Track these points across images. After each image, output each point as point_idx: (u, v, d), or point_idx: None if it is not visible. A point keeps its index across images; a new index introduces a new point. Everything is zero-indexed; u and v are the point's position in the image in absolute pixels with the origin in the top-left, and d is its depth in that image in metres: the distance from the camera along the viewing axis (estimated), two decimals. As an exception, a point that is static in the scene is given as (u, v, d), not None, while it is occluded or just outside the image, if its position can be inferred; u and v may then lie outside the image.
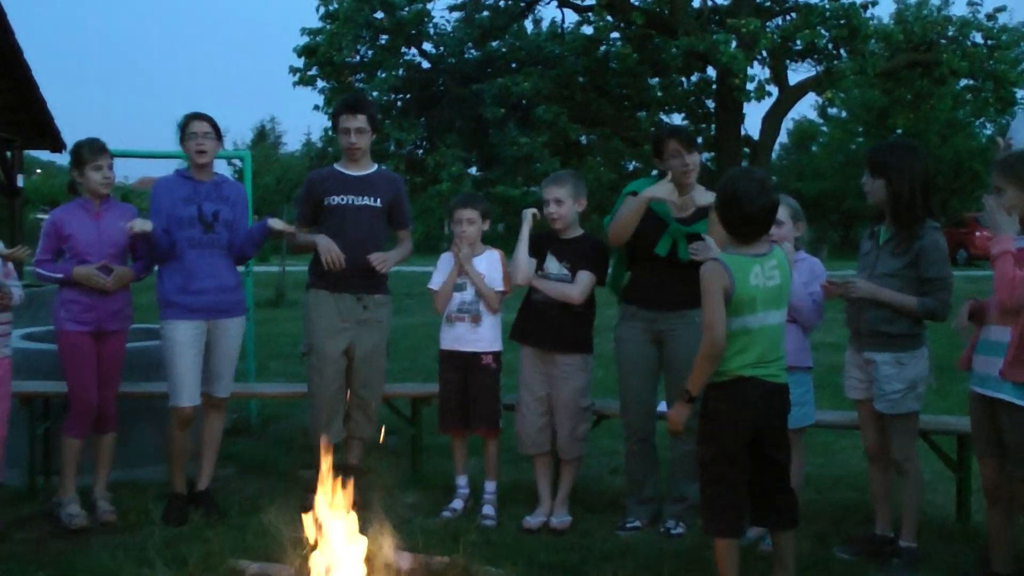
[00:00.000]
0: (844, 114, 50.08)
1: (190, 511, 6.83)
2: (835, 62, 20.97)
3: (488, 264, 7.03)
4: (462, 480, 7.17)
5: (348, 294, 6.97)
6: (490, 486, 7.04)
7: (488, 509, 6.89)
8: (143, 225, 6.63)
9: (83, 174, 6.79)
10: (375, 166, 7.27)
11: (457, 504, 7.03)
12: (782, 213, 6.17)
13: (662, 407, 6.80)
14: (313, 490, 4.86)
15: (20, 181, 21.73)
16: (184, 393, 6.80)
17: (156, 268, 6.98)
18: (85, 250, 6.74)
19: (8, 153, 21.32)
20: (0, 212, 25.92)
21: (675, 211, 6.50)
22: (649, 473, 6.82)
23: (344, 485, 4.76)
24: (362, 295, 7.00)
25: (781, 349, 5.24)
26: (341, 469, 6.70)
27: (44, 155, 41.60)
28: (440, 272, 7.11)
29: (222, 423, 7.26)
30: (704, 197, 6.29)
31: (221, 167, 6.99)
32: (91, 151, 6.81)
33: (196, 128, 6.89)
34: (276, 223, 6.89)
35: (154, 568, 4.96)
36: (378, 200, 7.06)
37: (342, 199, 7.00)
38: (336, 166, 7.24)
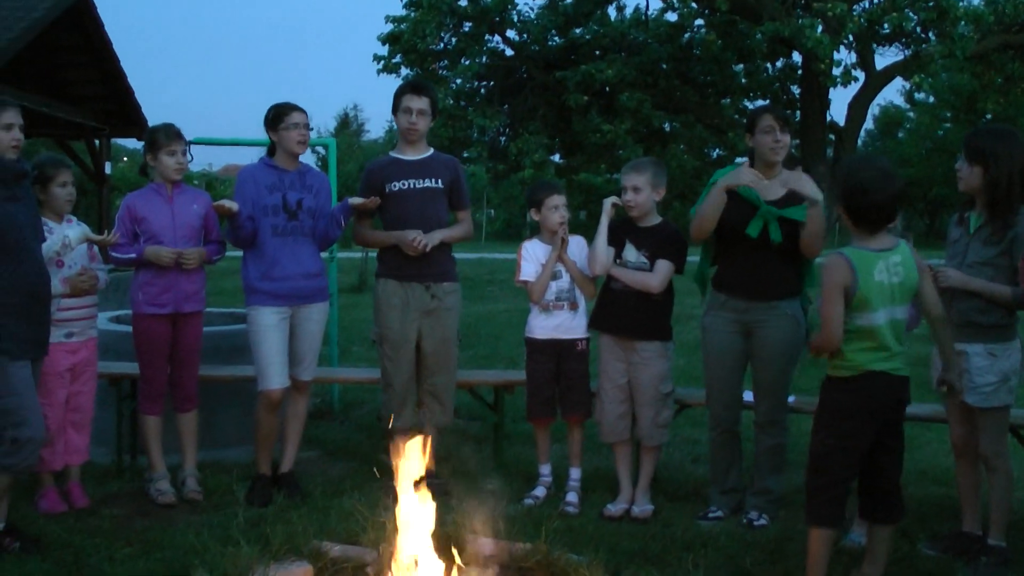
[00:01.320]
0: (932, 99, 49.26)
1: (274, 492, 6.90)
2: (923, 46, 20.61)
3: (578, 250, 7.00)
4: (545, 468, 7.16)
5: (416, 283, 6.98)
6: (575, 473, 7.03)
7: (571, 496, 6.88)
8: (230, 204, 6.70)
9: (157, 158, 6.88)
10: (431, 150, 7.26)
11: (539, 491, 7.03)
12: None
13: (748, 397, 6.75)
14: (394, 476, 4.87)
15: (108, 168, 22.06)
16: (272, 376, 6.87)
17: (241, 254, 7.05)
18: (160, 233, 6.85)
19: (97, 141, 21.66)
20: (88, 199, 26.34)
21: (761, 192, 6.43)
22: (733, 464, 6.76)
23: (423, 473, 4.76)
24: (430, 284, 7.00)
25: (904, 341, 5.17)
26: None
27: (130, 143, 42.26)
28: (530, 262, 7.06)
29: (306, 406, 7.34)
30: (797, 181, 6.17)
31: (304, 155, 7.04)
32: (166, 136, 6.89)
33: (299, 119, 6.95)
34: (356, 199, 6.92)
35: (238, 547, 4.98)
36: (439, 181, 7.06)
37: (404, 184, 7.01)
38: (392, 153, 7.26)
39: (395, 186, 7.00)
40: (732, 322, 6.55)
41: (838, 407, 5.13)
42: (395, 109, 7.15)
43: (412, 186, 7.00)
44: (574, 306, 6.97)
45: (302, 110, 7.00)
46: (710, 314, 6.70)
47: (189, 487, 6.96)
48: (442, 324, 7.05)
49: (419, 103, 7.02)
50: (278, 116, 6.96)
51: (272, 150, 7.08)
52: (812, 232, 6.21)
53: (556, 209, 6.95)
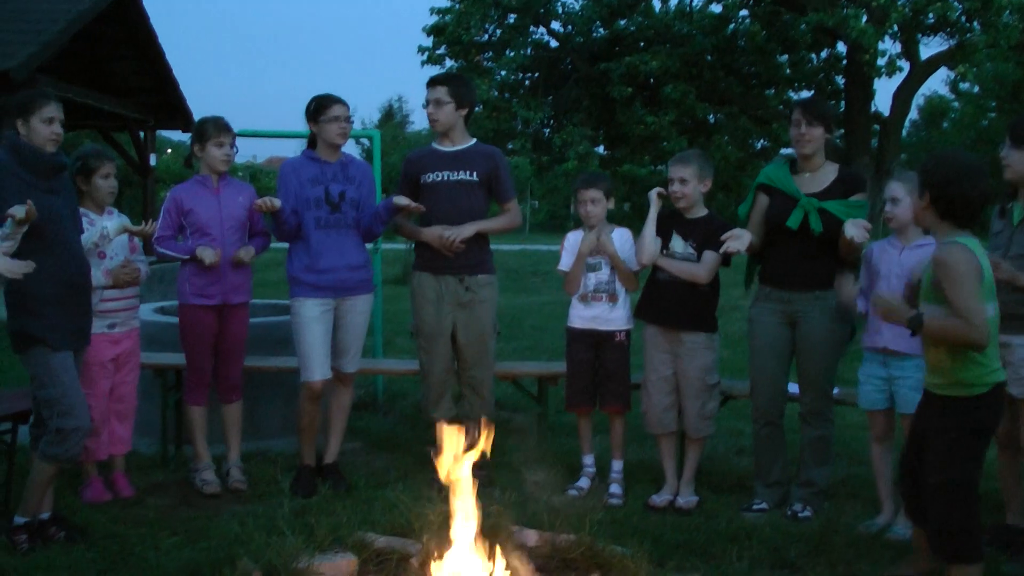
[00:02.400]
0: (976, 89, 48.71)
1: (318, 483, 6.92)
2: (968, 35, 20.35)
3: (620, 243, 6.96)
4: (588, 459, 7.16)
5: (450, 276, 6.99)
6: (617, 465, 7.01)
7: (615, 488, 6.87)
8: (272, 202, 6.71)
9: (204, 149, 6.93)
10: (472, 141, 7.23)
11: (583, 482, 7.02)
12: (899, 190, 6.02)
13: (793, 389, 6.70)
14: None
15: (152, 160, 22.21)
16: (314, 368, 6.88)
17: (286, 246, 7.07)
18: (206, 225, 6.90)
19: (141, 133, 21.81)
20: (133, 190, 26.56)
21: (802, 185, 6.49)
22: (777, 456, 6.72)
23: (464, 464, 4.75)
24: (464, 276, 7.00)
25: None
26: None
27: (174, 135, 42.58)
28: (569, 253, 7.08)
29: (350, 398, 7.35)
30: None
31: (349, 146, 7.05)
32: (215, 128, 6.95)
33: (339, 112, 6.94)
34: (401, 199, 6.90)
35: (283, 537, 5.00)
36: (474, 174, 7.03)
37: (438, 175, 7.01)
38: (433, 144, 7.25)
39: (429, 177, 7.01)
40: (777, 313, 6.53)
41: (980, 427, 4.80)
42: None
43: (445, 178, 7.00)
44: (613, 298, 6.95)
45: (343, 102, 7.00)
46: (756, 305, 6.68)
47: (234, 477, 7.00)
48: (477, 316, 7.04)
49: (433, 93, 7.03)
50: (319, 108, 6.96)
51: (313, 142, 7.08)
52: (848, 250, 6.31)
53: (585, 204, 6.96)
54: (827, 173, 6.53)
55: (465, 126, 7.17)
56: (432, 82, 7.09)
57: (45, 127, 5.68)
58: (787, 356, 6.62)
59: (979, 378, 4.71)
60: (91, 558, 5.58)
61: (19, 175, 5.56)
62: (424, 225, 7.06)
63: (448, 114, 7.04)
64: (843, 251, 6.32)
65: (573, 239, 7.09)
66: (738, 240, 6.37)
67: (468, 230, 6.91)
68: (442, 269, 6.97)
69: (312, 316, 6.87)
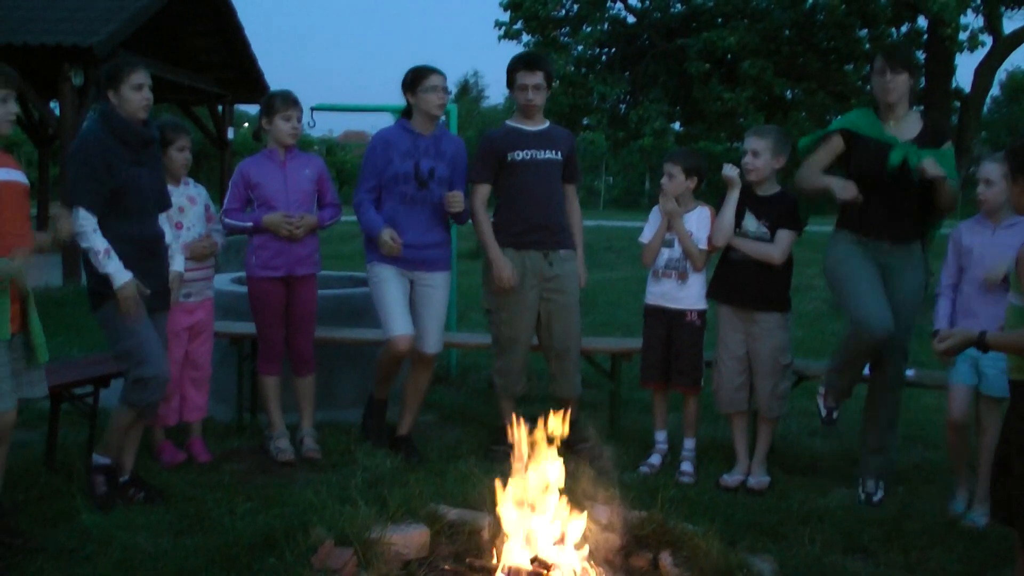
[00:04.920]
0: (1062, 64, 47.73)
1: (391, 454, 6.97)
2: (1054, 7, 19.97)
3: (697, 221, 6.93)
4: (661, 435, 7.15)
5: (534, 251, 6.99)
6: (689, 443, 7.01)
7: (686, 466, 6.87)
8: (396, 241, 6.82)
9: (272, 122, 6.97)
10: (547, 122, 7.24)
11: (655, 459, 7.03)
12: (993, 172, 5.90)
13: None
14: (501, 440, 4.86)
15: (230, 134, 22.44)
16: (396, 323, 6.90)
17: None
18: (272, 197, 6.95)
19: (220, 107, 22.04)
20: (211, 163, 26.88)
21: (896, 134, 6.28)
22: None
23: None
24: (548, 251, 7.01)
25: None
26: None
27: (252, 109, 42.97)
28: (651, 225, 7.07)
29: (428, 378, 7.35)
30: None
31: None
32: (283, 101, 7.00)
33: (437, 82, 6.93)
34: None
35: (356, 507, 5.04)
36: (559, 153, 7.05)
37: (527, 154, 7.00)
38: (510, 123, 7.21)
39: (517, 155, 6.99)
40: (868, 255, 6.28)
41: None
42: (510, 84, 7.13)
43: (533, 156, 6.99)
44: (683, 276, 6.93)
45: (441, 73, 6.99)
46: (840, 244, 6.40)
47: (307, 446, 7.08)
48: (562, 292, 7.05)
49: (534, 79, 6.99)
50: (416, 78, 6.95)
51: (409, 112, 7.09)
52: (946, 203, 6.16)
53: (664, 176, 6.97)
54: (913, 121, 6.34)
55: None
56: (533, 66, 7.06)
57: (135, 94, 5.80)
58: (882, 284, 6.27)
59: None
60: (169, 519, 5.69)
61: (108, 146, 5.68)
62: (507, 202, 7.08)
63: (544, 97, 7.07)
64: (942, 202, 6.20)
65: (657, 212, 7.09)
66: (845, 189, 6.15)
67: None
68: (526, 245, 6.98)
69: (389, 276, 6.91)
